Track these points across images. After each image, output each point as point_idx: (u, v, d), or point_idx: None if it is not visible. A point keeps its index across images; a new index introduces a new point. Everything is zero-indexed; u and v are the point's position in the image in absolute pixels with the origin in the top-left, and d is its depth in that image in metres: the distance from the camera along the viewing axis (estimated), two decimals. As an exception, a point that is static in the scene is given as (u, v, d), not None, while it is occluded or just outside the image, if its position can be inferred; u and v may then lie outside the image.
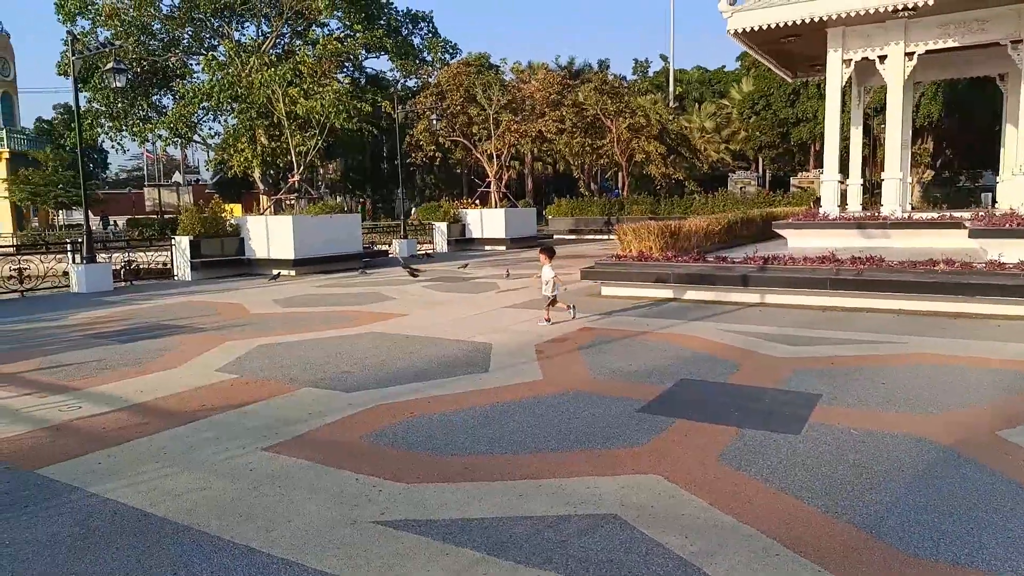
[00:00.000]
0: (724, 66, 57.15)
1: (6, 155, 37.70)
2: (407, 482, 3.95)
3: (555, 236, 31.14)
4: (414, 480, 3.97)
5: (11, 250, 17.79)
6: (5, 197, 36.86)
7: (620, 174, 40.97)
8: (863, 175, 17.46)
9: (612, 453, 4.34)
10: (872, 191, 31.87)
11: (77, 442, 4.76)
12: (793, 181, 40.77)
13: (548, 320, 8.96)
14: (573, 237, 31.78)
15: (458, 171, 46.21)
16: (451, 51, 37.17)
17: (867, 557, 3.01)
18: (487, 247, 25.40)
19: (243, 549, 3.22)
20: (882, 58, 14.39)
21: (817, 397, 5.40)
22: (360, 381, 6.24)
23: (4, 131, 37.92)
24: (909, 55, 14.11)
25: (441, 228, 25.40)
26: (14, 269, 15.12)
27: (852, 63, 14.80)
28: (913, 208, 20.52)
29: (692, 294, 10.75)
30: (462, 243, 25.61)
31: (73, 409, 5.56)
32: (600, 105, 35.26)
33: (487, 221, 26.06)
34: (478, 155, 31.19)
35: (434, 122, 32.28)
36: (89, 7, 29.81)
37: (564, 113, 35.94)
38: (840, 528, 3.28)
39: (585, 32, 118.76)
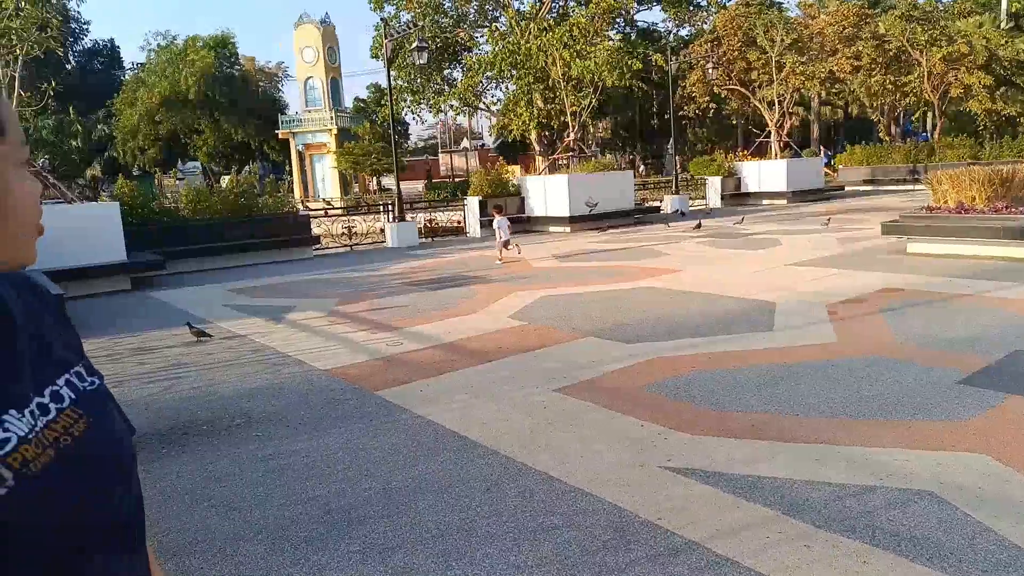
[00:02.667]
0: (1085, -32, 45.47)
1: (335, 131, 44.60)
2: (691, 433, 3.99)
3: (847, 188, 28.04)
4: (698, 432, 4.00)
5: (341, 212, 21.20)
6: (334, 167, 43.82)
7: (929, 114, 35.25)
8: None
9: (925, 426, 3.90)
10: None
11: (403, 372, 5.61)
12: None
13: (501, 260, 11.29)
14: (869, 188, 28.34)
15: (732, 122, 43.63)
16: (729, -8, 34.89)
17: None
18: (765, 201, 23.82)
19: (543, 476, 3.56)
20: None
21: None
22: (638, 333, 6.38)
23: (333, 111, 44.80)
24: None
25: (714, 183, 24.36)
26: (344, 227, 18.04)
27: None
28: None
29: (1029, 252, 9.00)
30: (737, 197, 24.31)
31: (397, 345, 6.54)
32: (907, 35, 30.48)
33: (765, 173, 24.35)
34: (756, 103, 29.15)
35: (709, 71, 30.80)
36: (394, -6, 33.64)
37: (861, 48, 31.78)
38: None
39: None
